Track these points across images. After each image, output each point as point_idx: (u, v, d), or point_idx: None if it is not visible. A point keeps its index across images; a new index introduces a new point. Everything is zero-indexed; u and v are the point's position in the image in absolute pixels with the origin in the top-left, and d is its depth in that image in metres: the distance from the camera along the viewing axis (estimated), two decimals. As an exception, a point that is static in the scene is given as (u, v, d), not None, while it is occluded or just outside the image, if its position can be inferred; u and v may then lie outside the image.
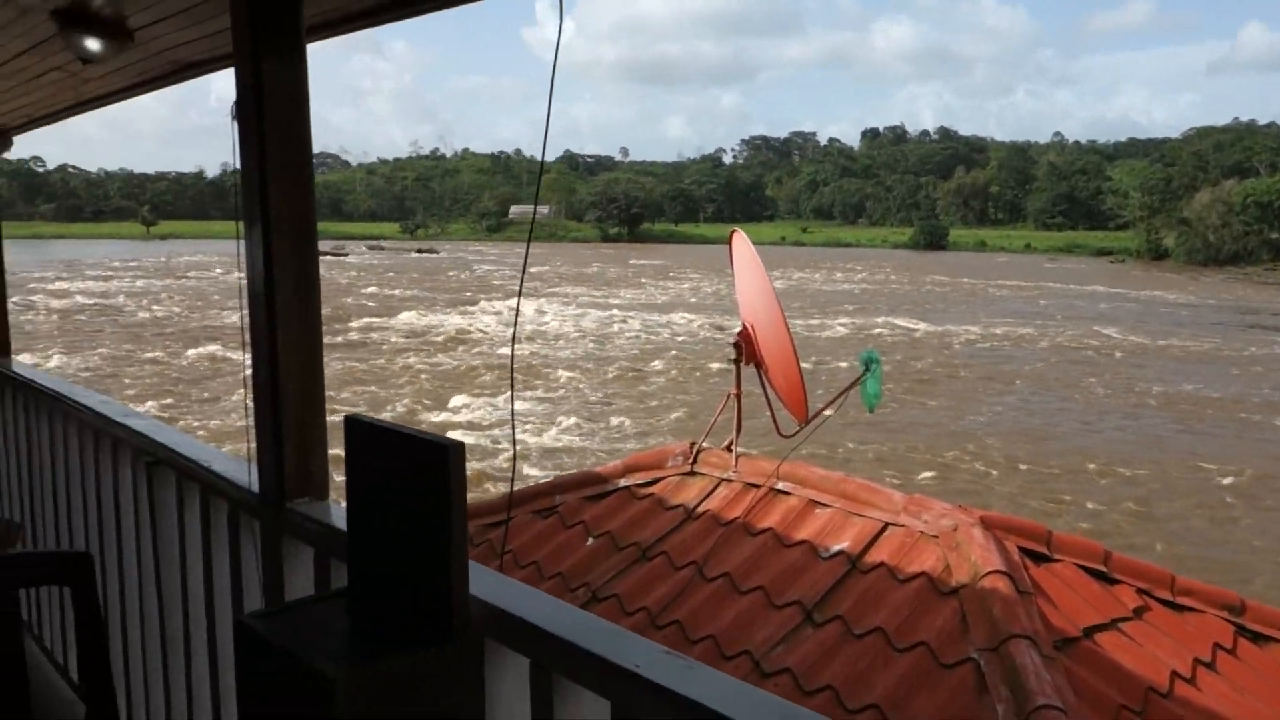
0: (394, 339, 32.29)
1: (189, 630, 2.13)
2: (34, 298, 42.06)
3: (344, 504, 1.78)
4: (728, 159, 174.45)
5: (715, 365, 25.96)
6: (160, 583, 2.23)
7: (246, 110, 1.67)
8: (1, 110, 5.82)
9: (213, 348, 28.15)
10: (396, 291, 50.55)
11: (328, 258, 79.83)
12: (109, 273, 60.76)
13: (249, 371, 1.79)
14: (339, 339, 31.46)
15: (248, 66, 1.64)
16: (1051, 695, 2.96)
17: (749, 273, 5.18)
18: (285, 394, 1.70)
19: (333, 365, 26.23)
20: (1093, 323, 38.90)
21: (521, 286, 2.17)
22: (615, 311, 40.66)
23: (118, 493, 2.45)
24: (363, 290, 50.35)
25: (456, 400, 21.15)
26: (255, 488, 1.79)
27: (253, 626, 1.28)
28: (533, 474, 14.82)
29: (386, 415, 19.52)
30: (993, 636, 3.45)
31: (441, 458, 1.23)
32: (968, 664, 3.42)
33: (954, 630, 3.57)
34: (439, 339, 32.34)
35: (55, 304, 40.19)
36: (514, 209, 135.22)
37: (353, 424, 1.41)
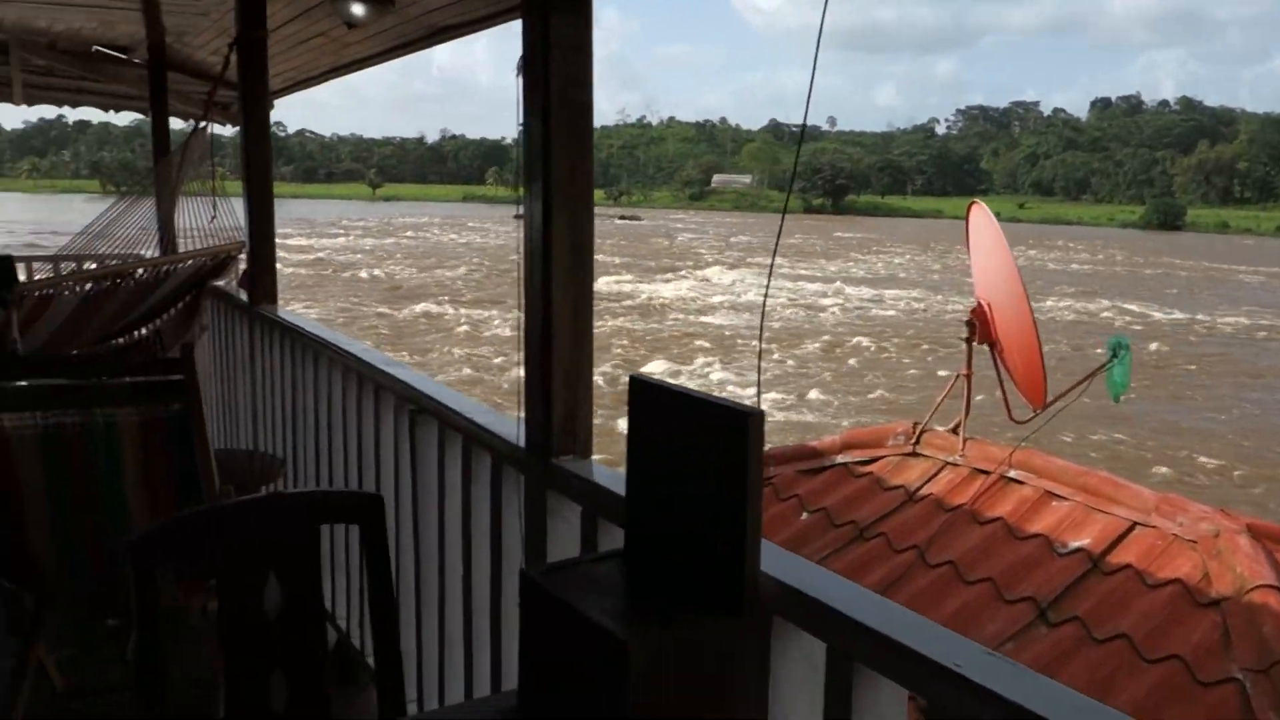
0: (595, 303, 32.98)
1: (444, 577, 2.20)
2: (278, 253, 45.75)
3: (607, 464, 1.77)
4: (941, 129, 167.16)
5: (923, 344, 25.04)
6: (417, 528, 2.32)
7: (534, 67, 1.67)
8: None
9: (427, 304, 29.70)
10: (599, 257, 51.55)
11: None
12: (340, 231, 65.17)
13: (521, 329, 1.80)
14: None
15: (536, 20, 1.63)
16: (1337, 730, 2.64)
17: (988, 247, 4.90)
18: (557, 351, 1.70)
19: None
20: (1360, 316, 34.82)
21: (774, 257, 2.08)
22: (818, 285, 39.90)
23: (378, 437, 2.57)
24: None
25: (655, 365, 21.40)
26: (520, 442, 1.81)
27: (538, 581, 1.28)
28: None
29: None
30: (1261, 657, 3.13)
31: (740, 424, 1.18)
32: (1230, 684, 3.12)
33: (1213, 646, 3.26)
34: (639, 304, 32.79)
35: (293, 258, 43.48)
36: (717, 177, 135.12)
37: (637, 384, 1.38)
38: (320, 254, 46.38)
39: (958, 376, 4.91)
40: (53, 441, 2.04)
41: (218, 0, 4.36)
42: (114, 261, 5.20)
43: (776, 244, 2.01)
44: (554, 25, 1.62)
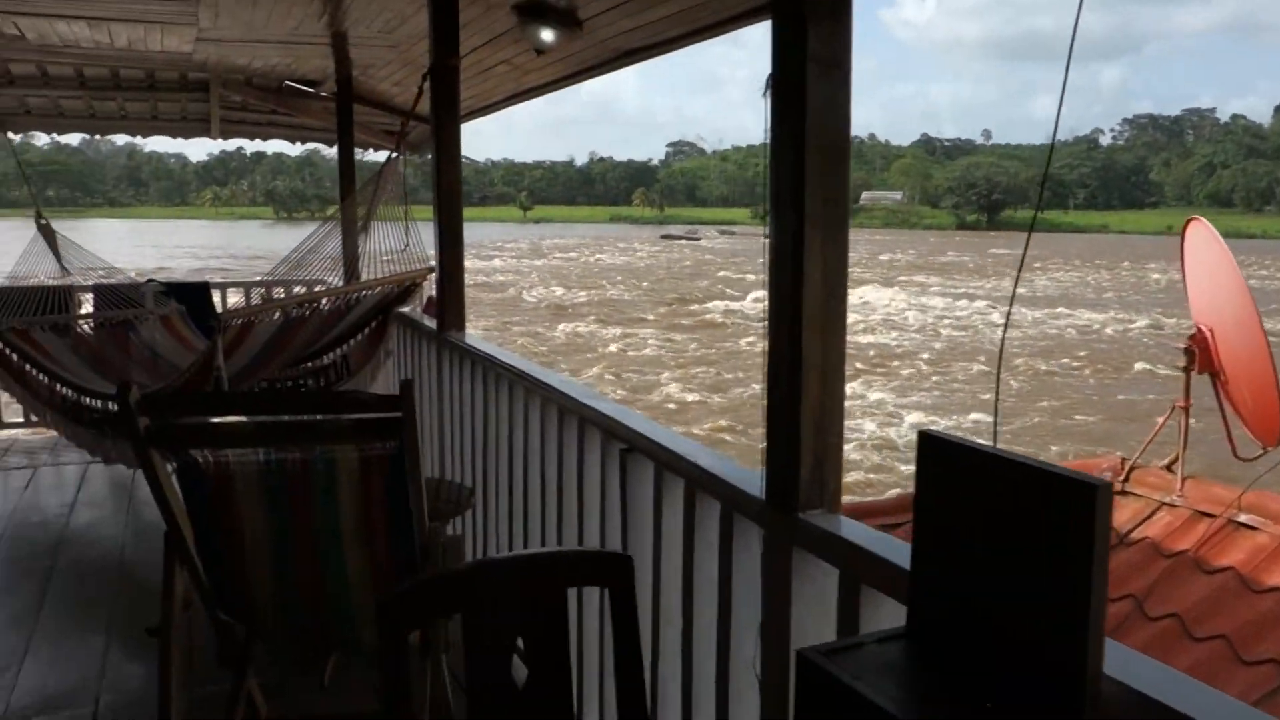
0: (745, 321, 32.71)
1: (658, 629, 2.07)
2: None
3: (852, 518, 1.60)
4: (1105, 140, 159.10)
5: (1098, 365, 23.69)
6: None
7: (785, 85, 1.53)
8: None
9: (575, 325, 30.13)
10: (749, 275, 51.29)
11: (681, 241, 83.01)
12: (493, 252, 67.02)
13: (765, 369, 1.66)
14: (689, 320, 32.44)
15: (791, 31, 1.49)
16: None
17: (1210, 267, 4.48)
18: (806, 395, 1.54)
19: (688, 346, 27.15)
20: None
21: (1019, 276, 1.86)
22: (977, 303, 38.42)
23: (582, 474, 2.48)
24: (716, 274, 51.62)
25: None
26: (759, 491, 1.66)
27: (823, 665, 1.12)
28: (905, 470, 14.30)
29: (736, 394, 19.87)
30: None
31: (1084, 497, 0.99)
32: None
33: None
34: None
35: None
36: (865, 194, 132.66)
37: (930, 441, 1.21)
38: (478, 276, 47.84)
39: (1174, 408, 4.50)
40: (274, 477, 2.03)
41: (409, 33, 4.44)
42: (300, 289, 5.41)
43: (1022, 263, 1.81)
44: (812, 35, 1.48)
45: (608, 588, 1.35)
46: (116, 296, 5.60)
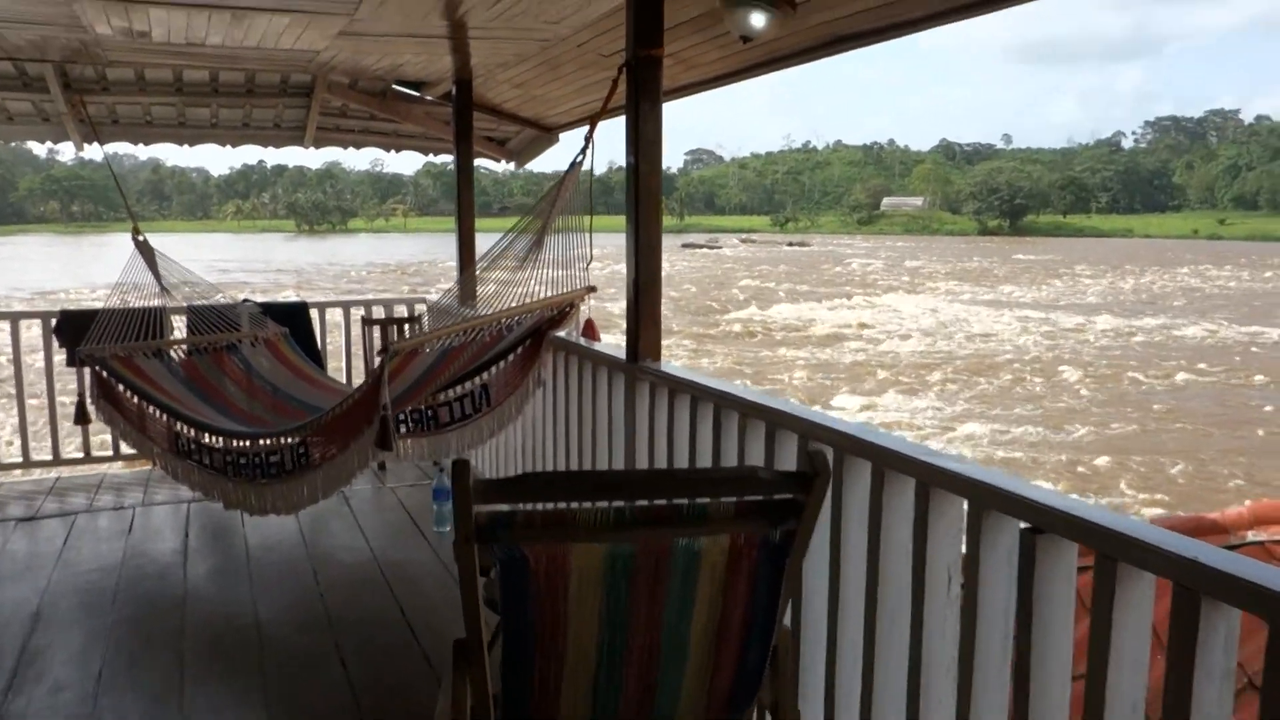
0: (771, 332, 32.17)
1: None
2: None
3: None
4: (1127, 143, 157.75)
5: (1152, 373, 23.06)
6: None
7: None
8: (554, 114, 5.96)
9: (606, 337, 29.65)
10: (770, 284, 50.76)
11: (702, 250, 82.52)
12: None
13: None
14: (715, 330, 31.93)
15: None
16: None
17: None
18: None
19: (716, 357, 26.60)
20: None
21: None
22: (1005, 311, 37.78)
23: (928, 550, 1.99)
24: (739, 283, 51.10)
25: (843, 400, 20.38)
26: None
27: None
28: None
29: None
30: None
31: None
32: None
33: None
34: (817, 333, 31.75)
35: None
36: (886, 200, 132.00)
37: None
38: (491, 286, 47.32)
39: None
40: (619, 572, 1.55)
41: (576, 23, 3.98)
42: (416, 311, 4.92)
43: None
44: None
45: None
46: (215, 318, 5.15)
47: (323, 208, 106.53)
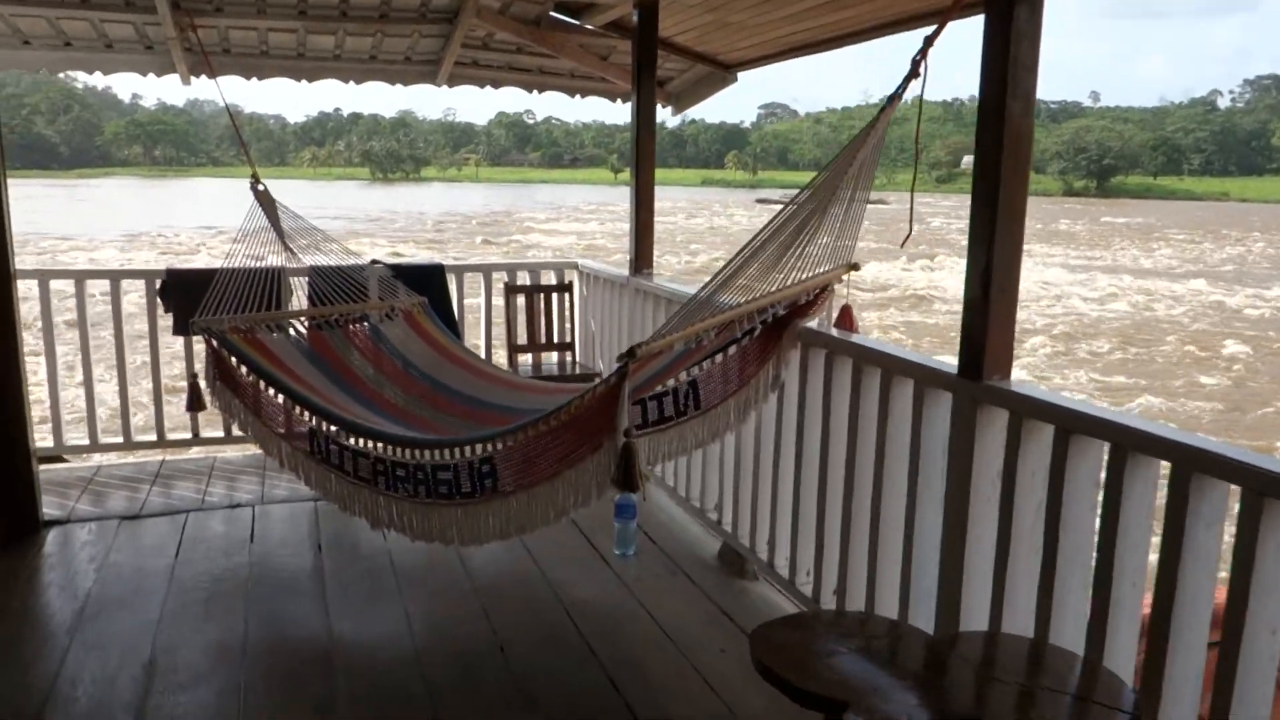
0: (855, 292, 30.63)
1: None
2: (531, 235, 46.24)
3: None
4: (1223, 102, 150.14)
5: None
6: None
7: None
8: (742, 46, 5.00)
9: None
10: (845, 241, 48.75)
11: (776, 206, 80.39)
12: (589, 214, 65.64)
13: None
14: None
15: None
16: None
17: None
18: None
19: (810, 320, 25.24)
20: None
21: None
22: (1099, 276, 35.69)
23: None
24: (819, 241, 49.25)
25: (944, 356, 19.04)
26: None
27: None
28: None
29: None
30: None
31: None
32: None
33: None
34: (904, 295, 30.21)
35: (548, 243, 43.68)
36: (967, 159, 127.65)
37: None
38: (570, 238, 46.46)
39: None
40: None
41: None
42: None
43: None
44: None
45: None
46: (341, 282, 4.30)
47: (396, 156, 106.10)
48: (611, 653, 3.12)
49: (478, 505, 2.93)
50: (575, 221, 59.59)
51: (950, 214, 78.02)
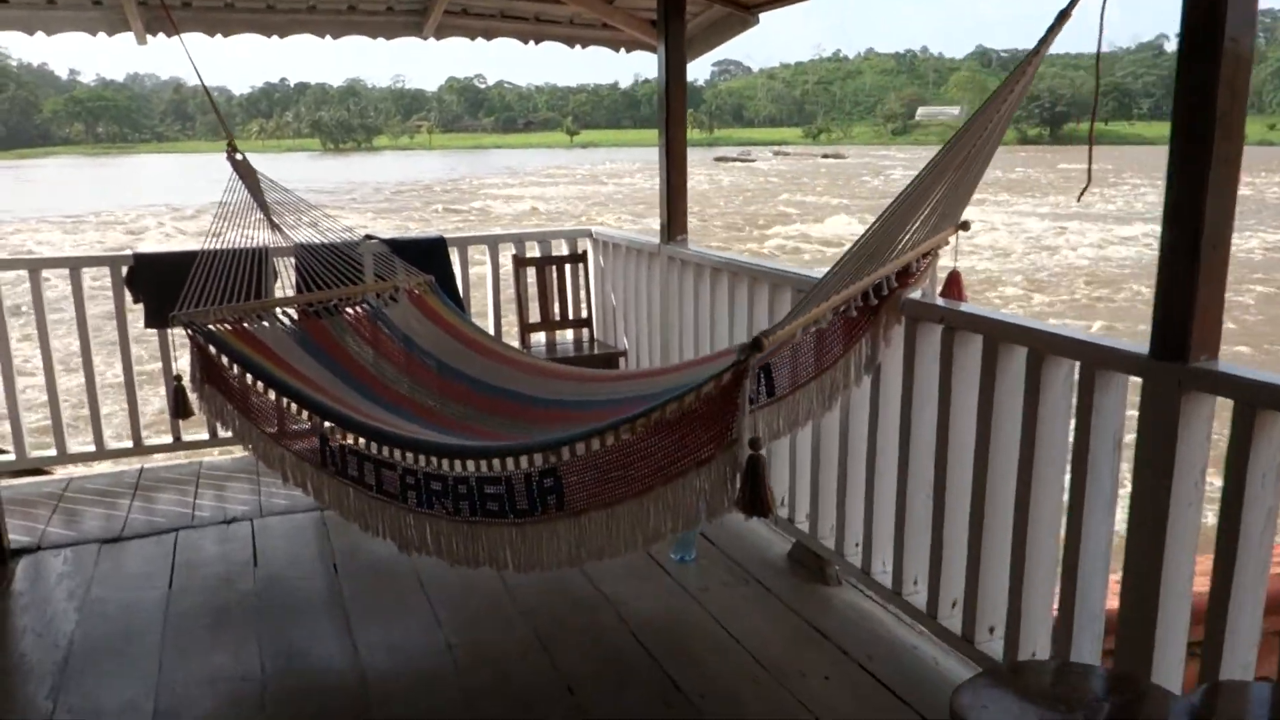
0: (821, 249, 30.29)
1: None
2: (491, 203, 45.26)
3: None
4: (1170, 46, 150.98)
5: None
6: None
7: None
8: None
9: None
10: (810, 198, 48.56)
11: (735, 164, 79.87)
12: (546, 179, 64.58)
13: None
14: (758, 245, 30.17)
15: None
16: None
17: None
18: None
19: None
20: None
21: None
22: (1064, 224, 35.59)
23: None
24: (777, 196, 48.98)
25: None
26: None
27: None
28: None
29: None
30: None
31: None
32: None
33: None
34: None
35: (505, 209, 42.76)
36: (921, 110, 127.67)
37: None
38: (533, 203, 45.57)
39: None
40: None
41: None
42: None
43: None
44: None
45: None
46: (334, 260, 3.77)
47: (347, 125, 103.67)
48: (698, 686, 2.68)
49: (538, 525, 2.45)
50: (536, 186, 58.55)
51: (909, 165, 77.76)
